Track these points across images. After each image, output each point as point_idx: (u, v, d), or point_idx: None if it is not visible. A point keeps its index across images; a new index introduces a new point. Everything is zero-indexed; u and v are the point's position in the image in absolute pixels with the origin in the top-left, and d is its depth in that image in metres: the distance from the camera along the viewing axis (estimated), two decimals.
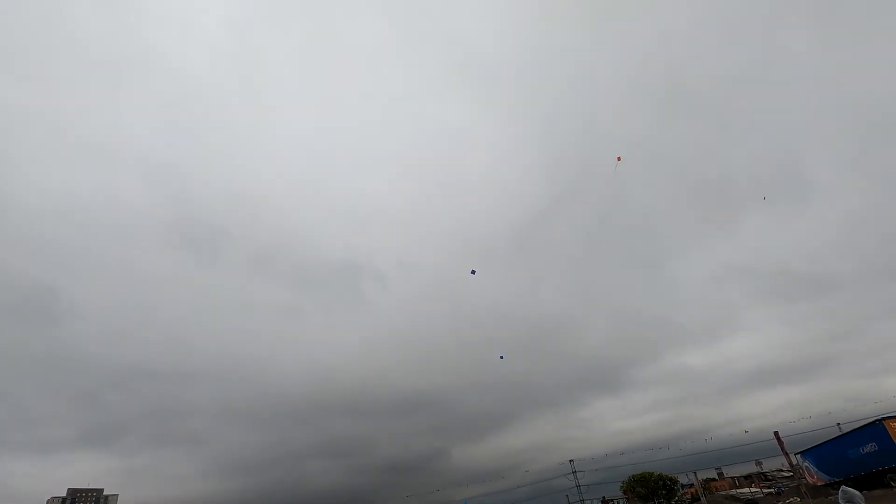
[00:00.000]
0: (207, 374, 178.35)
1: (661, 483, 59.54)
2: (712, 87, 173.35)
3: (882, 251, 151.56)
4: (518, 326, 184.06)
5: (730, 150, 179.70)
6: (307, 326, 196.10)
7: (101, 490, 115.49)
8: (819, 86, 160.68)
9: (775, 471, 71.27)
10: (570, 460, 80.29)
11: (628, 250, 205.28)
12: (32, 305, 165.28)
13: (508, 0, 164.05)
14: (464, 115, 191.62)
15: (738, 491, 67.03)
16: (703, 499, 51.44)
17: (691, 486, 66.39)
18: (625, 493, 66.31)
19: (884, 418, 29.49)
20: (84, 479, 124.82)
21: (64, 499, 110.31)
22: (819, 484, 37.62)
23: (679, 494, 60.88)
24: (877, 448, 29.66)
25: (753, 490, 63.55)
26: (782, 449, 40.02)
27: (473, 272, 54.73)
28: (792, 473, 46.94)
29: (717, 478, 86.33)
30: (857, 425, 34.42)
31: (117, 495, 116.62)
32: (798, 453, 41.60)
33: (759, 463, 62.08)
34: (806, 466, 40.43)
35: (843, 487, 8.44)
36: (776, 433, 40.56)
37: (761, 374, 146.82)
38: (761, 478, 74.11)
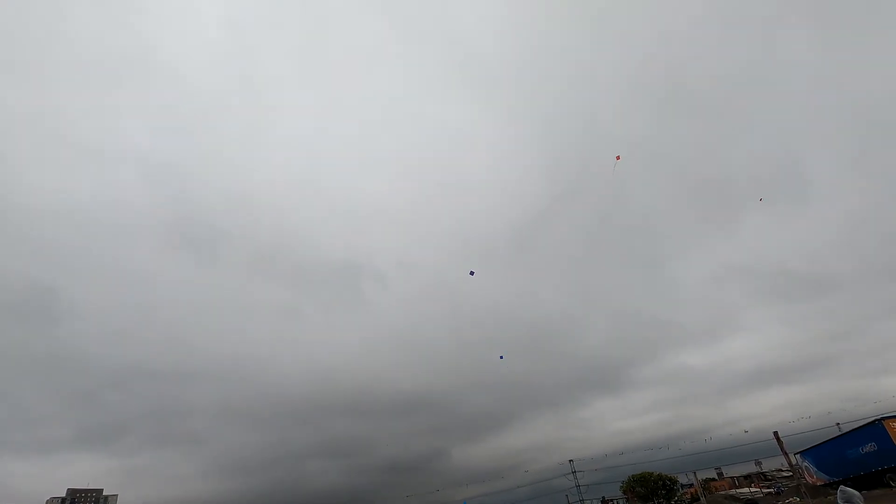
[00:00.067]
0: (207, 374, 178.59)
1: (660, 483, 59.52)
2: (712, 87, 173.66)
3: (882, 251, 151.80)
4: (518, 326, 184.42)
5: (730, 150, 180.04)
6: (307, 326, 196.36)
7: (101, 490, 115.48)
8: (819, 86, 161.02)
9: (775, 471, 71.27)
10: (570, 460, 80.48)
11: (628, 250, 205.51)
12: (32, 305, 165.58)
13: (508, 0, 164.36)
14: (464, 115, 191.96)
15: (737, 491, 67.02)
16: (702, 499, 51.44)
17: (691, 486, 66.38)
18: (624, 493, 66.29)
19: (883, 418, 29.47)
20: (84, 479, 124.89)
21: (63, 499, 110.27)
22: (818, 484, 37.60)
23: (679, 494, 60.85)
24: (876, 448, 29.65)
25: (753, 490, 63.55)
26: (782, 449, 40.00)
27: (472, 273, 54.58)
28: (791, 473, 46.92)
29: (716, 478, 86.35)
30: (856, 425, 34.41)
31: (117, 495, 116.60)
32: (797, 453, 41.59)
33: (758, 463, 62.09)
34: (805, 466, 40.43)
35: (841, 487, 8.42)
36: (776, 433, 40.55)
37: (761, 374, 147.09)
38: (761, 478, 74.10)
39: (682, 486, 64.15)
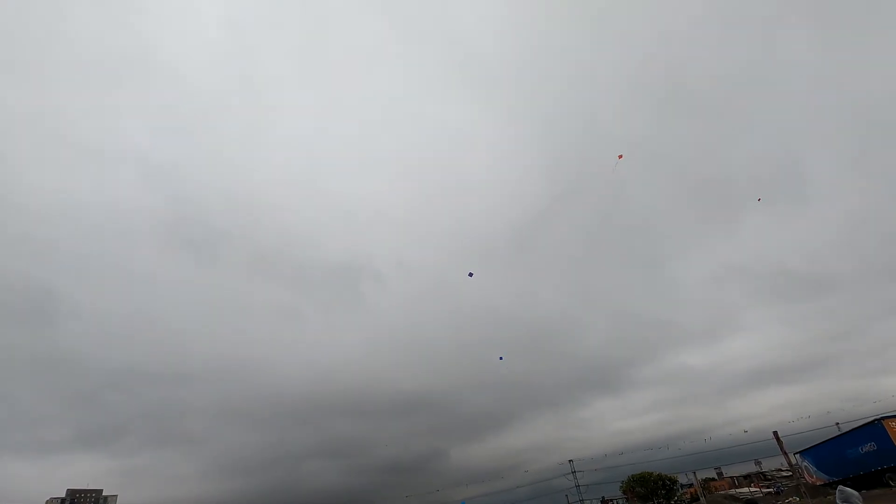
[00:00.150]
0: (207, 374, 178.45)
1: (660, 483, 59.51)
2: (712, 87, 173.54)
3: (882, 251, 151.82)
4: (518, 326, 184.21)
5: (730, 150, 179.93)
6: (307, 327, 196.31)
7: (101, 491, 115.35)
8: (819, 86, 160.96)
9: (774, 470, 71.30)
10: (570, 460, 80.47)
11: (628, 250, 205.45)
12: (32, 306, 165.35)
13: (508, 0, 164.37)
14: (464, 115, 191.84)
15: (737, 491, 67.03)
16: (702, 498, 51.46)
17: (691, 485, 66.40)
18: (624, 493, 66.29)
19: (882, 418, 29.47)
20: (83, 479, 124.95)
21: (63, 499, 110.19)
22: (818, 483, 37.61)
23: (678, 494, 60.83)
24: (876, 448, 29.64)
25: (753, 490, 63.56)
26: (781, 449, 39.97)
27: (471, 275, 54.46)
28: (791, 473, 46.92)
29: (716, 477, 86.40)
30: (855, 425, 34.34)
31: (116, 496, 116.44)
32: (797, 453, 41.60)
33: (758, 463, 62.14)
34: (805, 466, 40.43)
35: (840, 487, 8.42)
36: (775, 433, 40.52)
37: (761, 374, 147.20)
38: (760, 477, 74.14)
39: (682, 485, 64.15)
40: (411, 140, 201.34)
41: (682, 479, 63.03)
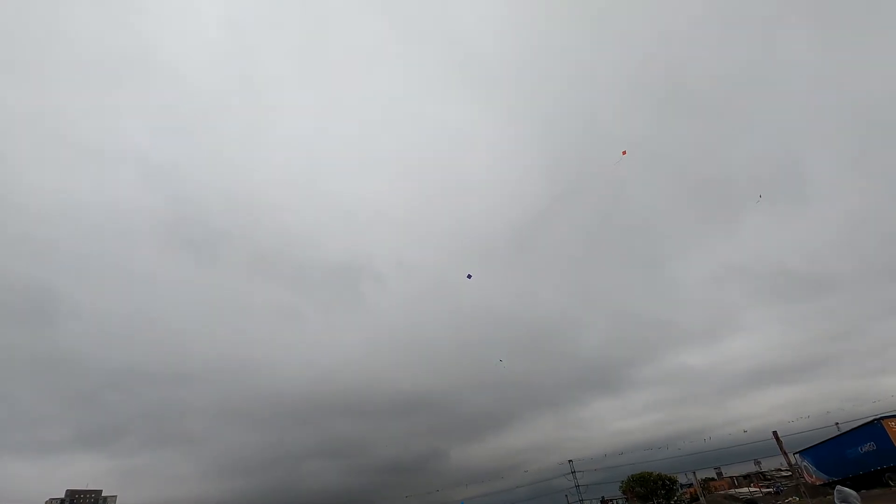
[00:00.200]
0: (207, 374, 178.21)
1: (660, 483, 59.52)
2: (712, 87, 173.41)
3: (882, 251, 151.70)
4: (518, 326, 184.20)
5: (730, 150, 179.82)
6: (307, 327, 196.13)
7: (100, 491, 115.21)
8: (819, 86, 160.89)
9: (774, 470, 71.34)
10: (570, 460, 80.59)
11: (628, 250, 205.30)
12: (31, 306, 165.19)
13: (508, 0, 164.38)
14: (464, 115, 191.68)
15: (737, 490, 67.01)
16: (702, 498, 51.46)
17: (690, 485, 66.39)
18: (624, 493, 66.30)
19: (882, 418, 29.49)
20: (83, 480, 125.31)
21: (63, 500, 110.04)
22: (818, 483, 37.62)
23: (678, 494, 60.84)
24: (875, 447, 29.66)
25: (752, 490, 63.54)
26: (781, 449, 39.93)
27: (469, 276, 54.59)
28: (791, 473, 46.92)
29: (716, 477, 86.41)
30: (855, 425, 34.40)
31: (116, 496, 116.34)
32: (797, 453, 41.60)
33: (757, 462, 62.30)
34: (805, 466, 40.44)
35: (838, 487, 8.39)
36: (775, 433, 40.46)
37: (760, 374, 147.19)
38: (760, 477, 74.16)
39: (682, 485, 64.16)
40: (411, 140, 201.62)
41: (682, 479, 63.08)
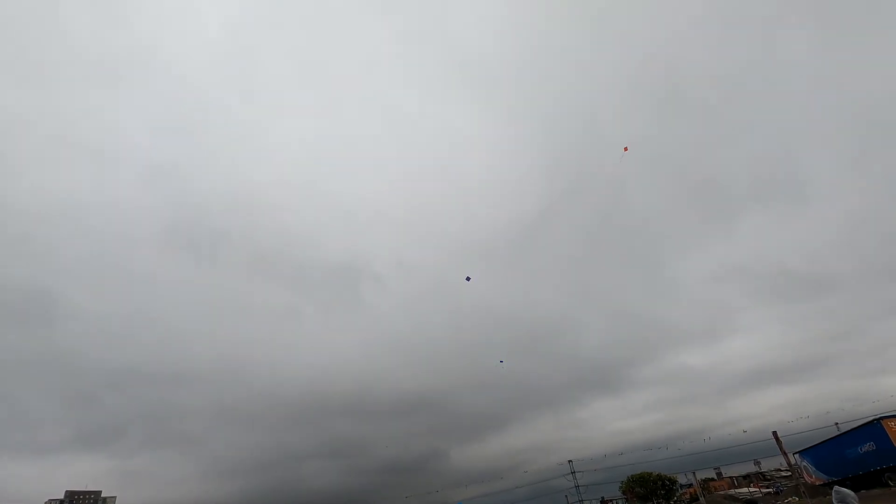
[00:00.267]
0: (206, 375, 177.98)
1: (659, 483, 59.43)
2: (712, 87, 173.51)
3: (882, 251, 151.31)
4: (518, 327, 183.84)
5: (730, 150, 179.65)
6: (307, 328, 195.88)
7: (100, 492, 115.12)
8: (819, 86, 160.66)
9: (774, 470, 71.27)
10: (569, 461, 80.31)
11: (628, 250, 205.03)
12: (30, 306, 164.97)
13: (508, 0, 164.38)
14: (464, 115, 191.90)
15: (736, 491, 66.96)
16: (701, 499, 51.41)
17: (690, 486, 66.29)
18: (624, 493, 66.21)
19: (881, 418, 29.44)
20: (82, 480, 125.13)
21: (62, 501, 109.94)
22: (817, 483, 37.58)
23: (678, 494, 60.78)
24: (875, 447, 29.60)
25: (752, 490, 63.48)
26: (781, 449, 39.91)
27: (468, 279, 54.77)
28: (790, 473, 46.87)
29: (715, 478, 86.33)
30: (855, 425, 34.33)
31: (115, 497, 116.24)
32: (796, 453, 41.55)
33: (757, 463, 62.12)
34: (804, 466, 40.38)
35: (836, 487, 8.34)
36: (774, 433, 40.45)
37: (760, 374, 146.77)
38: (760, 477, 74.09)
39: (682, 486, 64.07)
40: (411, 140, 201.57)
41: (682, 480, 62.96)
